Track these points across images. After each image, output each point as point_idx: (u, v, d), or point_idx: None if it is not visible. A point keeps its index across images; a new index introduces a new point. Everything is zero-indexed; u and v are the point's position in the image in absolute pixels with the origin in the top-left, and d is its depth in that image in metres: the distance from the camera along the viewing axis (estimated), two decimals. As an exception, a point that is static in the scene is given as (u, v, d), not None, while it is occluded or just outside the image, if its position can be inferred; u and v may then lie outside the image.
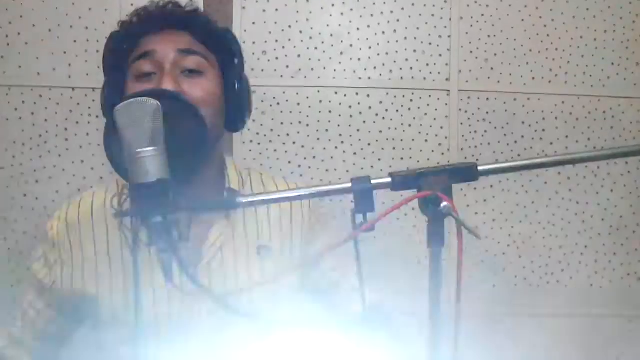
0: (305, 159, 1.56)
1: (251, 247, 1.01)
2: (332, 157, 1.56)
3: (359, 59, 1.57)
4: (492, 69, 1.59)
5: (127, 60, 0.94)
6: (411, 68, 1.58)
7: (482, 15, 1.58)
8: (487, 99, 1.59)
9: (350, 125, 1.57)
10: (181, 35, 0.95)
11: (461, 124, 1.58)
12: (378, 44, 1.57)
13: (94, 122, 1.53)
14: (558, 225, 1.60)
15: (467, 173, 0.72)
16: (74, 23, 1.54)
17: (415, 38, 1.58)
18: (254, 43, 1.56)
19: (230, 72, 0.98)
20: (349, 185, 0.72)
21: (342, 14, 1.57)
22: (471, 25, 1.58)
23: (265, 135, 1.56)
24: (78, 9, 1.53)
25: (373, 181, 0.72)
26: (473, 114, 1.59)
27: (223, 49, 0.98)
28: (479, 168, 0.73)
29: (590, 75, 1.60)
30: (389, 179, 0.72)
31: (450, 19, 1.58)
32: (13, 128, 1.54)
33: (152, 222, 0.68)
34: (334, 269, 1.11)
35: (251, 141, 1.55)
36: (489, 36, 1.58)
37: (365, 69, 1.57)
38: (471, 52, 1.58)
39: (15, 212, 1.54)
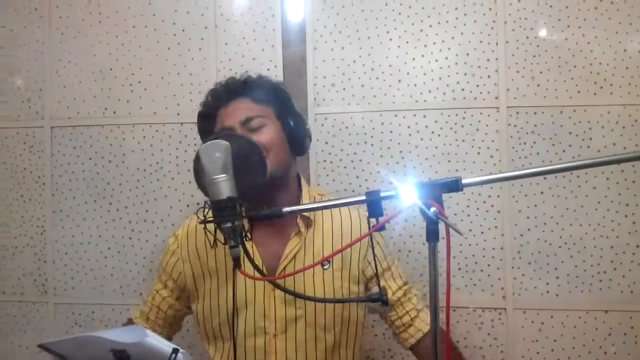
0: (370, 174, 1.80)
1: (317, 259, 1.31)
2: (394, 172, 1.78)
3: (415, 85, 1.78)
4: (538, 85, 1.73)
5: (213, 127, 1.32)
6: (462, 89, 1.76)
7: (527, 37, 1.73)
8: (535, 113, 1.73)
9: (409, 143, 1.78)
10: (243, 102, 1.30)
11: (511, 137, 1.74)
12: (432, 70, 1.77)
13: (197, 150, 1.87)
14: (608, 227, 1.70)
15: (453, 185, 0.94)
16: (180, 71, 1.88)
17: (465, 63, 1.76)
18: (324, 77, 1.82)
19: (286, 115, 1.31)
20: (364, 197, 0.97)
21: (399, 46, 1.79)
22: (517, 48, 1.73)
23: (336, 155, 1.81)
24: (183, 59, 1.88)
25: (382, 193, 0.96)
26: (522, 128, 1.73)
27: (275, 101, 1.31)
28: (463, 181, 0.94)
29: (636, 85, 1.68)
30: (394, 192, 0.96)
31: (497, 43, 1.74)
32: (137, 158, 1.91)
33: (224, 227, 0.97)
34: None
35: (324, 160, 1.82)
36: (534, 56, 1.73)
37: (421, 93, 1.78)
38: (518, 71, 1.73)
39: (140, 224, 1.91)
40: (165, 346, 0.89)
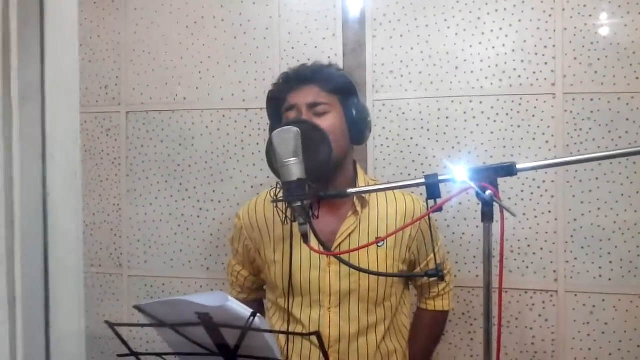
0: (426, 158, 1.86)
1: (371, 238, 1.40)
2: (449, 157, 1.84)
3: (472, 72, 1.83)
4: (595, 72, 1.74)
5: (281, 109, 1.40)
6: (519, 76, 1.80)
7: (585, 24, 1.74)
8: (592, 99, 1.75)
9: (465, 129, 1.83)
10: (311, 88, 1.38)
11: (567, 123, 1.77)
12: (489, 58, 1.81)
13: (262, 134, 1.97)
14: (663, 213, 1.72)
15: (508, 170, 1.01)
16: (246, 59, 1.99)
17: (522, 50, 1.79)
18: (383, 64, 1.89)
19: (349, 105, 1.39)
20: (423, 180, 1.04)
21: (456, 34, 1.84)
22: (574, 35, 1.75)
23: (393, 140, 1.89)
24: (249, 48, 1.98)
25: (440, 177, 1.04)
26: (578, 114, 1.76)
27: (341, 91, 1.39)
28: (517, 166, 1.01)
29: (697, 72, 1.69)
30: (452, 175, 1.03)
31: (554, 30, 1.76)
32: (204, 141, 2.03)
33: (294, 206, 1.07)
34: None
35: (382, 145, 1.89)
36: (591, 43, 1.74)
37: (477, 80, 1.83)
38: (575, 58, 1.75)
39: (207, 203, 2.04)
40: (245, 310, 1.00)
